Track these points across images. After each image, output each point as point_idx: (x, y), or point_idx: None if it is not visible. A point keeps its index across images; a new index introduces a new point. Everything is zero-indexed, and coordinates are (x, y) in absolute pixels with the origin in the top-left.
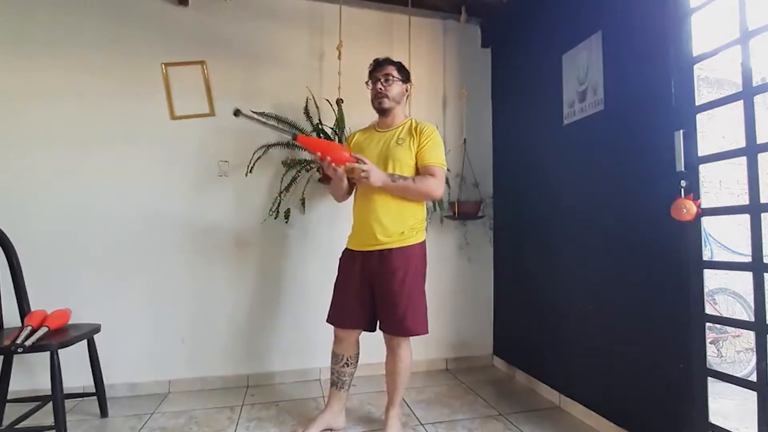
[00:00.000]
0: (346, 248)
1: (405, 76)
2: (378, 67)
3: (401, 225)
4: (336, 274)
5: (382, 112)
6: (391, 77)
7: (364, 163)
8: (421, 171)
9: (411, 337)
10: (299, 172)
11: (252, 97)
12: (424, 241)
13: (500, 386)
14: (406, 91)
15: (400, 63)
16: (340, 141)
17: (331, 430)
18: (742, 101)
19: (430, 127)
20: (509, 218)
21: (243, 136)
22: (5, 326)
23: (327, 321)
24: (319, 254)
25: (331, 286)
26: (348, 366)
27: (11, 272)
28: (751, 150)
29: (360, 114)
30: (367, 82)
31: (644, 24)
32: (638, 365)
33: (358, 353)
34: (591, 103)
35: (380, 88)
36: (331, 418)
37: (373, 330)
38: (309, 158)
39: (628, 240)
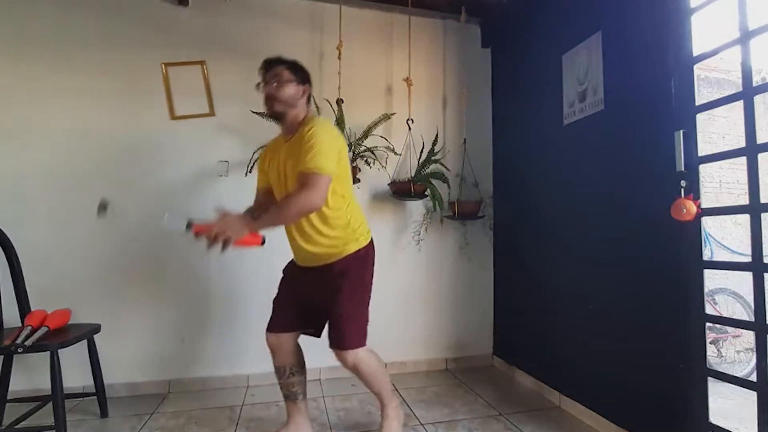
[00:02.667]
0: (291, 259)
1: (301, 76)
2: (267, 68)
3: (334, 239)
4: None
5: (276, 117)
6: (282, 78)
7: (210, 233)
8: (297, 178)
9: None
10: None
11: (252, 97)
12: (367, 246)
13: (500, 386)
14: (304, 93)
15: (294, 62)
16: None
17: None
18: (742, 101)
19: (316, 126)
20: (509, 218)
21: (242, 136)
22: (5, 326)
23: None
24: None
25: None
26: (294, 375)
27: (11, 272)
28: (751, 150)
29: (361, 114)
30: (257, 85)
31: (644, 24)
32: (638, 365)
33: (300, 361)
34: (591, 103)
35: (267, 90)
36: (295, 431)
37: (315, 335)
38: None
39: (628, 240)
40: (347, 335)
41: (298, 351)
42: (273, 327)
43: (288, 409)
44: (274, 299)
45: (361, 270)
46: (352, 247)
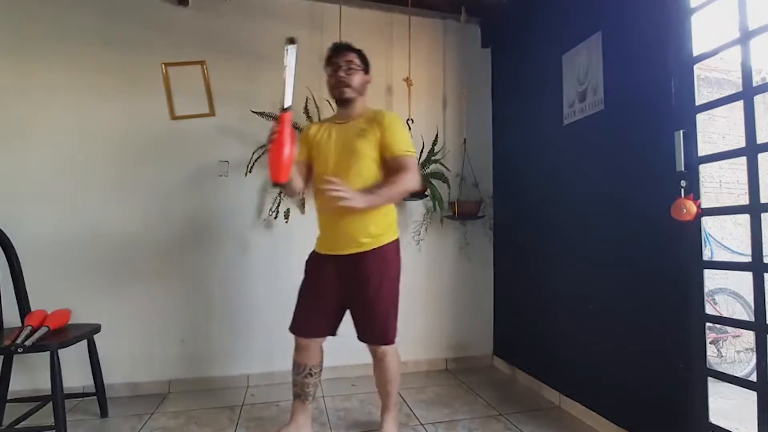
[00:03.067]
0: (313, 251)
1: (366, 66)
2: (338, 52)
3: (373, 225)
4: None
5: (344, 102)
6: (353, 65)
7: (340, 190)
8: (390, 163)
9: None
10: None
11: (252, 97)
12: (397, 239)
13: (500, 386)
14: (367, 82)
15: (361, 51)
16: None
17: None
18: (742, 101)
19: (390, 113)
20: (509, 218)
21: (242, 136)
22: (5, 326)
23: (290, 330)
24: None
25: None
26: (311, 376)
27: (11, 272)
28: (751, 150)
29: None
30: (325, 68)
31: (644, 24)
32: (638, 365)
33: (321, 361)
34: (591, 103)
35: (342, 76)
36: (296, 431)
37: (335, 334)
38: None
39: (628, 240)
40: (391, 332)
41: (322, 352)
42: (304, 331)
43: (294, 407)
44: (302, 296)
45: (395, 265)
46: (385, 239)
